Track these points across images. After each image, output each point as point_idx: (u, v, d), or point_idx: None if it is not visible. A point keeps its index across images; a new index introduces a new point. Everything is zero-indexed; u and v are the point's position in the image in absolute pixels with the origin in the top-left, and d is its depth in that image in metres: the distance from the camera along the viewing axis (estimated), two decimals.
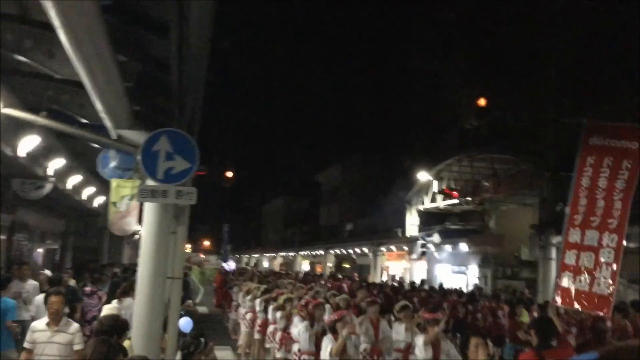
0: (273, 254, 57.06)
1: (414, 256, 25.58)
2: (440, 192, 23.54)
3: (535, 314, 10.92)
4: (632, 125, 8.16)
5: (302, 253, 46.35)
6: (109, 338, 3.58)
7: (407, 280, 24.02)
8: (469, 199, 22.03)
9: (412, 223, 26.20)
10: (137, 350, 5.78)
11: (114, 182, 6.89)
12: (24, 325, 7.20)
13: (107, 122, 5.88)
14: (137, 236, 14.01)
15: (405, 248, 26.55)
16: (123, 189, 6.83)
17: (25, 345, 5.79)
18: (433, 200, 24.27)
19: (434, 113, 30.57)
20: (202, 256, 68.02)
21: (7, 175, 10.16)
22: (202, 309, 22.49)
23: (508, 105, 22.28)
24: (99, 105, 5.45)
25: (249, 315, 12.16)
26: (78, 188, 10.62)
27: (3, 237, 13.65)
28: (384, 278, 29.13)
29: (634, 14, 17.30)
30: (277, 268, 48.94)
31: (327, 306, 9.44)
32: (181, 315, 10.19)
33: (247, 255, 70.08)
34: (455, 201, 22.80)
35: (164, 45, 5.38)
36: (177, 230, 6.37)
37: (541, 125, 18.96)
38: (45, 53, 5.81)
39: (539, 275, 15.56)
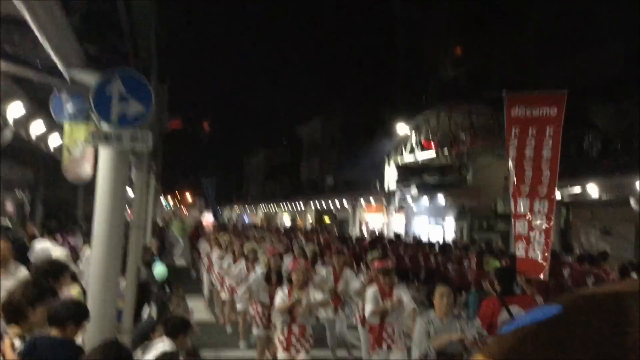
0: (254, 208, 57.10)
1: (392, 209, 25.67)
2: (419, 144, 23.46)
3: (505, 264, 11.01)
4: (549, 92, 8.47)
5: (283, 206, 46.39)
6: (41, 280, 3.45)
7: (386, 234, 24.14)
8: (446, 150, 22.01)
9: (390, 176, 26.18)
10: (92, 298, 5.67)
11: (66, 126, 6.66)
12: None
13: (58, 63, 5.63)
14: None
15: (384, 201, 26.61)
16: (77, 133, 6.60)
17: None
18: (411, 152, 24.21)
19: (416, 65, 30.27)
20: (184, 210, 68.17)
21: None
22: (180, 262, 22.58)
23: (486, 56, 22.06)
24: (45, 43, 5.19)
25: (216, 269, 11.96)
26: (43, 136, 10.32)
27: None
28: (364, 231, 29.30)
29: None
30: (258, 222, 49.04)
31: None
32: (150, 264, 10.13)
33: (228, 209, 70.17)
34: (433, 154, 22.77)
35: None
36: (136, 176, 6.19)
37: (518, 76, 18.82)
38: None
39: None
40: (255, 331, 8.16)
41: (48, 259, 5.23)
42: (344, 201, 30.98)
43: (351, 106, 41.06)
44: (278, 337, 6.58)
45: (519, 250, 8.02)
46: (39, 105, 9.39)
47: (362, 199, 29.26)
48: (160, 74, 15.86)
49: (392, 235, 21.69)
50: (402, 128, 23.77)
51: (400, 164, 25.78)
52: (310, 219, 40.51)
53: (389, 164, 26.26)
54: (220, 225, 27.32)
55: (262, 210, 54.40)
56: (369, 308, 6.65)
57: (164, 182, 48.93)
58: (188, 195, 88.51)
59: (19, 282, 4.38)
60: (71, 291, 4.47)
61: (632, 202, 13.40)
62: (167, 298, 7.66)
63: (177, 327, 5.01)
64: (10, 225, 14.09)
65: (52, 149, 11.12)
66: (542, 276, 7.38)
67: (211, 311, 12.85)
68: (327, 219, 38.95)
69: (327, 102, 46.35)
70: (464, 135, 20.25)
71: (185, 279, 16.71)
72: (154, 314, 6.95)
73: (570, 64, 18.88)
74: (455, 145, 21.13)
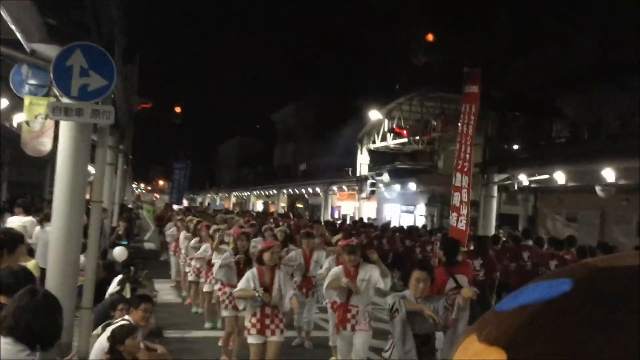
0: (226, 194, 56.85)
1: (364, 195, 25.76)
2: (391, 131, 23.53)
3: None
4: (474, 69, 8.70)
5: (255, 193, 46.26)
6: None
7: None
8: (418, 138, 22.12)
9: (362, 162, 26.23)
10: (51, 271, 5.62)
11: (27, 100, 6.52)
12: None
13: (18, 35, 5.51)
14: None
15: (356, 188, 26.68)
16: (37, 107, 6.47)
17: None
18: (384, 139, 24.27)
19: (389, 52, 30.32)
20: (156, 195, 67.67)
21: None
22: (149, 245, 22.48)
23: (457, 43, 22.18)
24: (5, 15, 5.08)
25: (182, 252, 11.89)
26: (7, 113, 10.12)
27: None
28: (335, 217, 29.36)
29: None
30: (230, 207, 48.84)
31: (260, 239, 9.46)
32: (115, 245, 10.04)
33: (200, 196, 69.85)
34: (405, 140, 22.86)
35: None
36: (98, 153, 6.11)
37: (488, 64, 18.96)
38: None
39: (480, 212, 15.83)
40: (224, 313, 8.05)
41: (3, 229, 5.14)
42: (317, 187, 31.01)
43: (325, 93, 41.03)
44: (250, 320, 6.32)
45: (452, 219, 8.41)
46: (1, 81, 9.20)
47: (334, 185, 29.31)
48: (130, 53, 15.64)
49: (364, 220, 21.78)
50: (374, 115, 23.79)
51: (372, 149, 25.84)
52: (282, 204, 40.47)
53: (361, 151, 26.31)
54: (188, 209, 27.14)
55: (235, 196, 54.21)
56: (325, 283, 6.62)
57: (136, 168, 48.52)
58: (160, 181, 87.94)
59: None
60: (28, 264, 4.40)
61: (598, 189, 13.63)
62: (130, 279, 7.60)
63: (137, 299, 4.98)
64: None
65: (17, 127, 10.93)
66: (462, 243, 7.79)
67: (178, 293, 12.82)
68: (299, 205, 38.97)
69: (301, 89, 46.37)
70: (435, 122, 20.37)
71: (153, 262, 16.61)
72: (116, 293, 6.91)
73: (541, 54, 19.07)
74: (427, 131, 21.25)
